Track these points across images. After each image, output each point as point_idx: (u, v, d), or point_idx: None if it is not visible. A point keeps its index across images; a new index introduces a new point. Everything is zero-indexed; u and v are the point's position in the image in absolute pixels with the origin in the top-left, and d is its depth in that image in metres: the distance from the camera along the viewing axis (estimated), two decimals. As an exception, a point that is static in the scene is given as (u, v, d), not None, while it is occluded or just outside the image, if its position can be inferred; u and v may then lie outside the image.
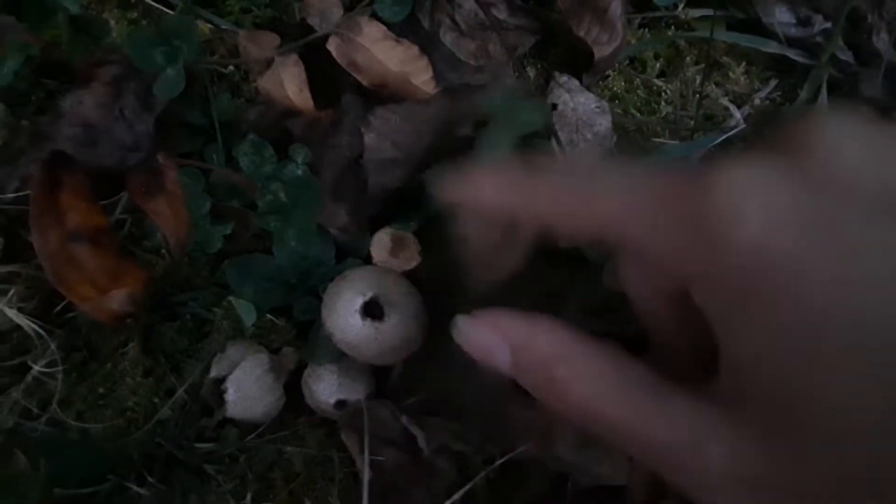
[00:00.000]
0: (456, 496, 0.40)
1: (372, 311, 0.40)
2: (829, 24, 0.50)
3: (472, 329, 0.25)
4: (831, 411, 0.18)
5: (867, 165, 0.19)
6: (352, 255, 0.44)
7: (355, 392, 0.42)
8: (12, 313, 0.41)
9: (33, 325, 0.42)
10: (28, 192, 0.42)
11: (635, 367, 0.23)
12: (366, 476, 0.39)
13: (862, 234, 0.18)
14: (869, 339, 0.17)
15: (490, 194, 0.26)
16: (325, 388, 0.42)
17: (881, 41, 0.51)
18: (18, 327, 0.42)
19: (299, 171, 0.41)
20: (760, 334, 0.19)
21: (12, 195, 0.43)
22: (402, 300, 0.41)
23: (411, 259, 0.44)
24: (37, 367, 0.41)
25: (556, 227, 0.24)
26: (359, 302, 0.40)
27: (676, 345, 0.26)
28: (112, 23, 0.49)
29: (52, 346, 0.41)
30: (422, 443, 0.41)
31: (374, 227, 0.44)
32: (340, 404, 0.42)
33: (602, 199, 0.23)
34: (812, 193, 0.19)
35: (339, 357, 0.41)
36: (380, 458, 0.40)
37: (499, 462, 0.42)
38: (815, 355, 0.18)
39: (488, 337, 0.25)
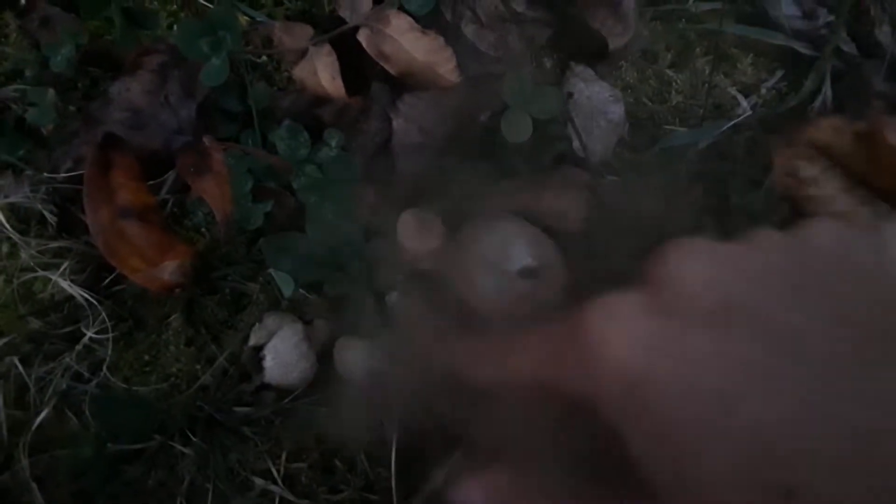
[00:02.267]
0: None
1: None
2: (833, 17, 0.53)
3: (450, 493, 0.29)
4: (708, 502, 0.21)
5: (710, 285, 0.23)
6: (379, 234, 0.47)
7: (380, 362, 0.45)
8: (66, 284, 0.44)
9: (84, 296, 0.45)
10: (79, 171, 0.45)
11: (583, 485, 0.26)
12: (394, 437, 0.42)
13: (701, 350, 0.22)
14: (720, 442, 0.21)
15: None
16: (353, 358, 0.45)
17: (884, 34, 0.53)
18: (71, 297, 0.45)
19: (333, 154, 0.44)
20: (644, 436, 0.22)
21: (65, 175, 0.46)
22: (552, 258, 0.43)
23: (435, 239, 0.46)
24: (88, 334, 0.44)
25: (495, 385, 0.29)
26: (522, 259, 0.42)
27: None
28: (152, 14, 0.52)
29: (103, 315, 0.44)
30: (444, 409, 0.44)
31: (400, 209, 0.47)
32: (368, 373, 0.45)
33: (519, 364, 0.28)
34: (663, 319, 0.23)
35: (377, 331, 0.44)
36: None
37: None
38: (686, 455, 0.21)
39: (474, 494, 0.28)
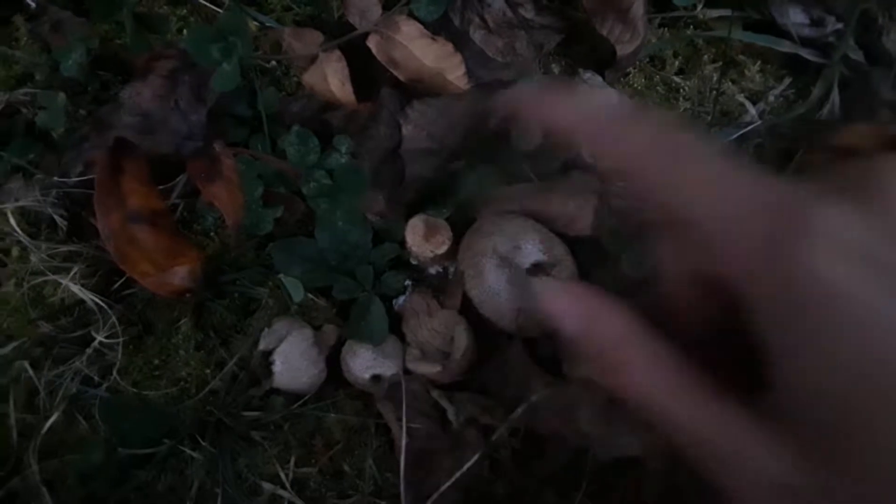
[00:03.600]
0: (468, 465, 0.43)
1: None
2: (841, 25, 0.53)
3: (552, 291, 0.27)
4: (888, 452, 0.20)
5: None
6: (387, 239, 0.47)
7: (388, 368, 0.45)
8: (76, 288, 0.45)
9: (95, 300, 0.45)
10: (90, 176, 0.45)
11: (696, 370, 0.24)
12: (403, 441, 0.42)
13: None
14: None
15: (603, 137, 0.26)
16: (361, 363, 0.45)
17: (891, 41, 0.53)
18: (81, 302, 0.45)
19: (343, 160, 0.44)
20: (826, 368, 0.21)
21: (75, 179, 0.46)
22: (563, 255, 0.44)
23: (443, 244, 0.46)
24: (98, 338, 0.44)
25: (639, 178, 0.25)
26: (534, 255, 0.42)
27: (697, 332, 0.28)
28: (162, 19, 0.52)
29: (113, 319, 0.44)
30: (451, 415, 0.44)
31: (409, 214, 0.47)
32: (375, 378, 0.45)
33: (698, 182, 0.23)
34: (890, 247, 0.21)
35: (385, 337, 0.44)
36: (414, 425, 0.43)
37: (522, 434, 0.45)
38: (877, 398, 0.20)
39: (566, 301, 0.26)
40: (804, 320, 0.21)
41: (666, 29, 0.55)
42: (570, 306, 0.26)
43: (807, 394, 0.21)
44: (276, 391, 0.45)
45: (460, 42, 0.50)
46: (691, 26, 0.55)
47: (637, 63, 0.53)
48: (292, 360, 0.44)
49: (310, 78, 0.47)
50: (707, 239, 0.23)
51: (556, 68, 0.54)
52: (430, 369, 0.44)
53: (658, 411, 0.24)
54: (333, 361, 0.46)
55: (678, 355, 0.24)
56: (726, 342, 0.26)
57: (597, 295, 0.26)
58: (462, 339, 0.43)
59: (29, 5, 0.50)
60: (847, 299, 0.21)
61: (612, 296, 0.26)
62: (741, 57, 0.54)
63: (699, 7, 0.54)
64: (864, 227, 0.21)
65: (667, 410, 0.24)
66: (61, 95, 0.48)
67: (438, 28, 0.49)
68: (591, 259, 0.46)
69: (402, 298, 0.47)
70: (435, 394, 0.45)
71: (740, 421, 0.22)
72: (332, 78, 0.46)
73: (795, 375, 0.22)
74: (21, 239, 0.45)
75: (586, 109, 0.27)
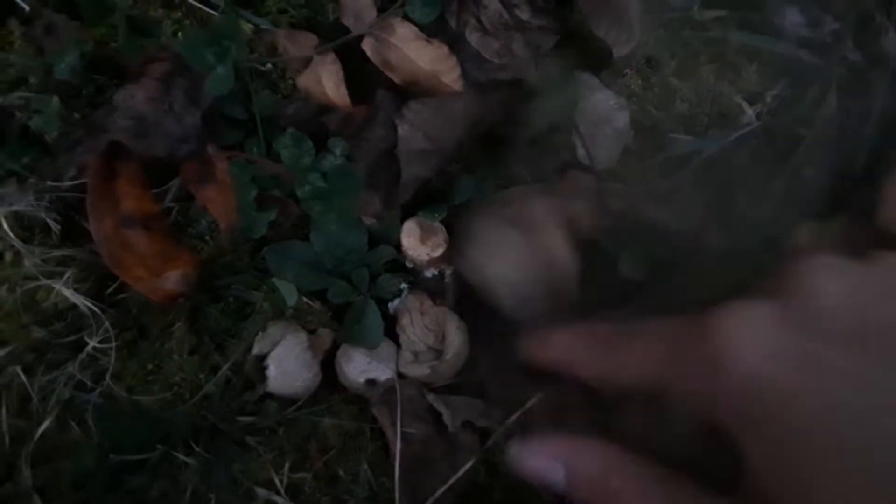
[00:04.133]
0: (463, 470, 0.43)
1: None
2: (839, 26, 0.52)
3: (526, 457, 0.30)
4: None
5: (846, 304, 0.24)
6: (383, 241, 0.47)
7: (383, 372, 0.45)
8: (69, 293, 0.44)
9: (88, 305, 0.44)
10: (83, 180, 0.45)
11: (675, 480, 0.26)
12: (398, 446, 0.42)
13: (835, 366, 0.22)
14: (851, 457, 0.21)
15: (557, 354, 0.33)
16: (356, 367, 0.45)
17: (890, 42, 0.53)
18: (74, 306, 0.45)
19: (337, 163, 0.44)
20: (766, 448, 0.23)
21: (69, 183, 0.45)
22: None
23: (439, 246, 0.46)
24: (92, 343, 0.44)
25: (604, 381, 0.30)
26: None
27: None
28: (156, 22, 0.51)
29: (107, 324, 0.44)
30: (447, 419, 0.44)
31: (405, 216, 0.47)
32: (370, 383, 0.45)
33: (635, 362, 0.28)
34: (797, 332, 0.23)
35: (380, 341, 0.44)
36: (409, 430, 0.43)
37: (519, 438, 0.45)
38: (810, 468, 0.22)
39: (542, 462, 0.29)
40: (741, 414, 0.24)
41: (663, 30, 0.54)
42: (547, 462, 0.29)
43: (761, 473, 0.23)
44: (271, 396, 0.45)
45: (456, 44, 0.49)
46: (688, 27, 0.54)
47: (634, 64, 0.53)
48: (287, 364, 0.43)
49: (304, 81, 0.47)
50: (656, 392, 0.27)
51: (552, 70, 0.53)
52: (421, 372, 0.44)
53: None
54: (328, 366, 0.46)
55: (659, 469, 0.27)
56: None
57: (568, 440, 0.29)
58: (454, 336, 0.43)
59: (23, 9, 0.50)
60: (755, 384, 0.23)
61: (585, 434, 0.29)
62: (738, 58, 0.54)
63: (696, 8, 0.54)
64: (768, 320, 0.24)
65: None
66: (55, 99, 0.48)
67: (434, 30, 0.49)
68: (589, 261, 0.46)
69: (397, 301, 0.47)
70: (430, 398, 0.45)
71: None
72: (326, 81, 0.46)
73: (751, 460, 0.24)
74: (14, 243, 0.45)
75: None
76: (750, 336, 0.24)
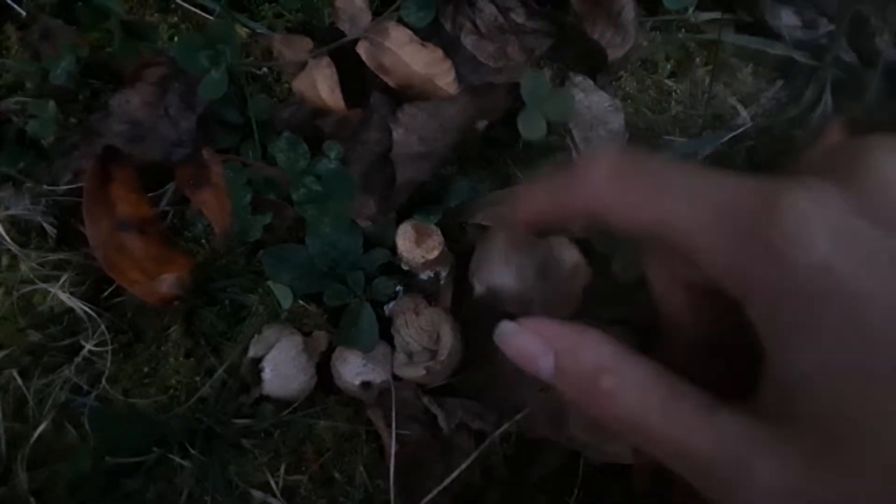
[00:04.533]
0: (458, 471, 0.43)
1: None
2: (833, 27, 0.52)
3: (516, 334, 0.26)
4: (886, 441, 0.19)
5: None
6: (378, 244, 0.47)
7: (378, 374, 0.45)
8: (65, 297, 0.44)
9: (84, 308, 0.45)
10: (79, 184, 0.45)
11: (681, 382, 0.23)
12: (392, 448, 0.42)
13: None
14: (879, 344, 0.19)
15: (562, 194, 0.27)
16: (351, 370, 0.45)
17: (884, 43, 0.53)
18: (70, 310, 0.45)
19: (332, 166, 0.44)
20: (818, 354, 0.20)
21: (65, 187, 0.46)
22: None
23: (434, 249, 0.46)
24: (88, 347, 0.44)
25: (616, 220, 0.25)
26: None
27: (689, 333, 0.27)
28: (153, 26, 0.52)
29: (103, 327, 0.44)
30: (442, 421, 0.44)
31: (400, 219, 0.47)
32: (365, 385, 0.45)
33: (668, 201, 0.23)
34: (872, 223, 0.20)
35: (375, 343, 0.44)
36: (404, 432, 0.43)
37: (514, 440, 0.45)
38: (872, 382, 0.19)
39: (533, 343, 0.25)
40: (794, 311, 0.20)
41: (657, 32, 0.55)
42: (538, 345, 0.25)
43: (802, 387, 0.20)
44: (266, 398, 0.45)
45: (451, 47, 0.49)
46: (683, 30, 0.54)
47: (629, 66, 0.53)
48: (282, 367, 0.43)
49: (300, 84, 0.47)
50: (691, 250, 0.23)
51: (547, 72, 0.53)
52: (416, 373, 0.44)
53: (652, 435, 0.23)
54: (324, 368, 0.46)
55: (668, 373, 0.23)
56: (723, 346, 0.26)
57: (564, 326, 0.25)
58: (448, 337, 0.43)
59: (19, 14, 0.50)
60: (826, 278, 0.20)
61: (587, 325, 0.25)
62: (733, 60, 0.54)
63: (691, 10, 0.54)
64: (841, 205, 0.20)
65: (661, 431, 0.23)
66: (52, 104, 0.48)
67: (429, 33, 0.49)
68: (587, 260, 0.46)
69: (392, 304, 0.47)
70: (425, 400, 0.45)
71: (741, 431, 0.21)
72: (321, 84, 0.46)
73: (788, 369, 0.21)
74: (10, 247, 0.45)
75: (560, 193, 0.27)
76: (824, 222, 0.20)
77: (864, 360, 0.19)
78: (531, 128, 0.46)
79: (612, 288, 0.44)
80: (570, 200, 0.26)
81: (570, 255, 0.44)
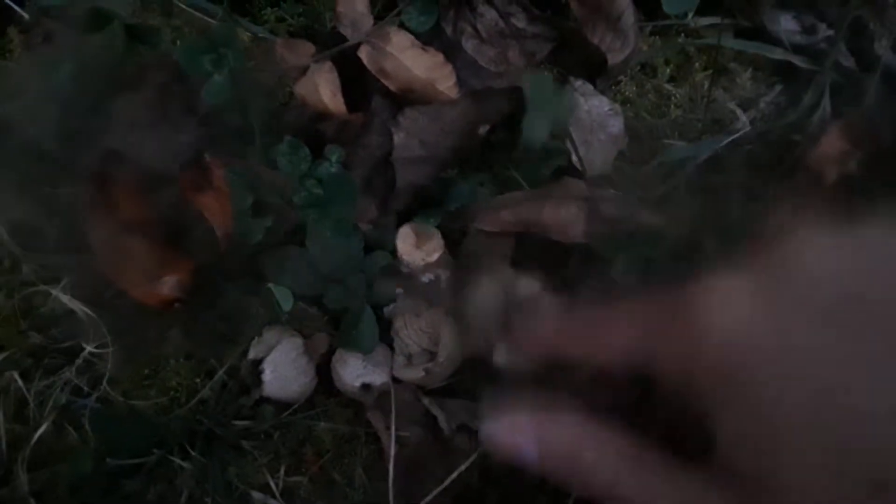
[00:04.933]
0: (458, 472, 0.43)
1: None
2: (832, 32, 0.53)
3: (497, 433, 0.28)
4: (795, 490, 0.21)
5: (828, 276, 0.23)
6: (379, 247, 0.47)
7: (378, 376, 0.45)
8: (66, 298, 0.45)
9: (85, 310, 0.45)
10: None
11: (648, 450, 0.25)
12: (392, 450, 0.42)
13: (812, 340, 0.22)
14: (816, 432, 0.21)
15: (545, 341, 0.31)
16: (351, 372, 0.45)
17: (883, 48, 0.53)
18: (71, 312, 0.45)
19: (333, 169, 0.44)
20: (737, 422, 0.23)
21: (67, 190, 0.46)
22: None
23: (434, 251, 0.46)
24: (88, 349, 0.45)
25: (575, 357, 0.29)
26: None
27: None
28: (155, 30, 0.52)
29: (104, 330, 0.45)
30: (442, 423, 0.44)
31: (401, 222, 0.47)
32: (365, 387, 0.45)
33: (619, 337, 0.27)
34: (775, 305, 0.23)
35: (375, 345, 0.44)
36: (404, 434, 0.43)
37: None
38: (779, 442, 0.22)
39: (514, 439, 0.27)
40: (713, 385, 0.23)
41: (657, 37, 0.55)
42: (519, 439, 0.27)
43: (732, 446, 0.23)
44: (266, 400, 0.45)
45: (452, 52, 0.50)
46: (682, 34, 0.55)
47: (628, 71, 0.54)
48: (282, 368, 0.44)
49: (301, 88, 0.47)
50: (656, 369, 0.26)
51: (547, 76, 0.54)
52: (415, 375, 0.44)
53: (625, 500, 0.25)
54: (324, 370, 0.46)
55: (635, 442, 0.26)
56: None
57: (539, 413, 0.27)
58: (447, 339, 0.43)
59: (22, 17, 0.51)
60: (736, 359, 0.23)
61: (556, 398, 0.28)
62: (732, 64, 0.54)
63: (690, 15, 0.54)
64: (749, 294, 0.23)
65: (632, 497, 0.25)
66: (54, 108, 0.48)
67: (430, 38, 0.49)
68: (583, 266, 0.46)
69: (392, 306, 0.47)
70: (425, 401, 0.45)
71: (694, 486, 0.24)
72: (323, 88, 0.47)
73: (722, 432, 0.23)
74: (13, 249, 0.45)
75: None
76: (726, 307, 0.23)
77: (771, 425, 0.22)
78: (534, 129, 0.46)
79: (613, 293, 0.44)
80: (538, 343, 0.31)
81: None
